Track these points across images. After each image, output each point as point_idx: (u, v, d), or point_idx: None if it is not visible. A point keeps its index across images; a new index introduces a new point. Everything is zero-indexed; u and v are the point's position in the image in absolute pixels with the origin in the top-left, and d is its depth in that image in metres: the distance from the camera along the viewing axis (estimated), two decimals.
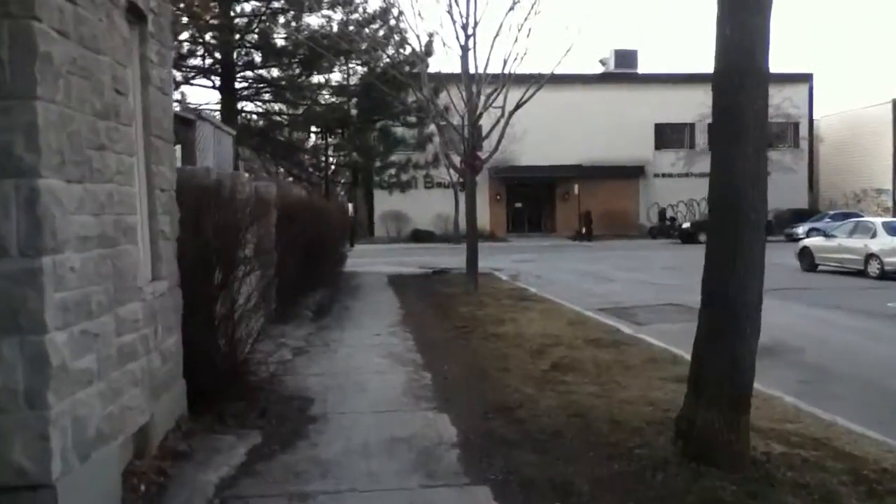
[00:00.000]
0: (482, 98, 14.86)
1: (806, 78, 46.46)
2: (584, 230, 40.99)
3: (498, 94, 14.88)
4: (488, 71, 14.73)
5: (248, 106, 19.43)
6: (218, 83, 18.82)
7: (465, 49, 14.73)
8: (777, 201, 41.82)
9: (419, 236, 42.12)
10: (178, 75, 18.06)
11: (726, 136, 4.89)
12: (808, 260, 20.10)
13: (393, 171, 21.76)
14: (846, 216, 39.03)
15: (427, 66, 16.27)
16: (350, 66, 19.42)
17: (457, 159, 16.39)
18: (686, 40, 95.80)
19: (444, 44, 14.40)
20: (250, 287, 7.72)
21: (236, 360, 6.91)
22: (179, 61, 18.27)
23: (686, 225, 39.50)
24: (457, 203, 39.86)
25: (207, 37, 18.11)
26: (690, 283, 17.27)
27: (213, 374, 6.39)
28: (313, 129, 20.60)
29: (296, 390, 7.04)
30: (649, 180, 46.06)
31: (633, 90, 44.96)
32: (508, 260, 24.96)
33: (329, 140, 23.65)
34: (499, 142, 14.88)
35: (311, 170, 22.30)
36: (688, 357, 8.87)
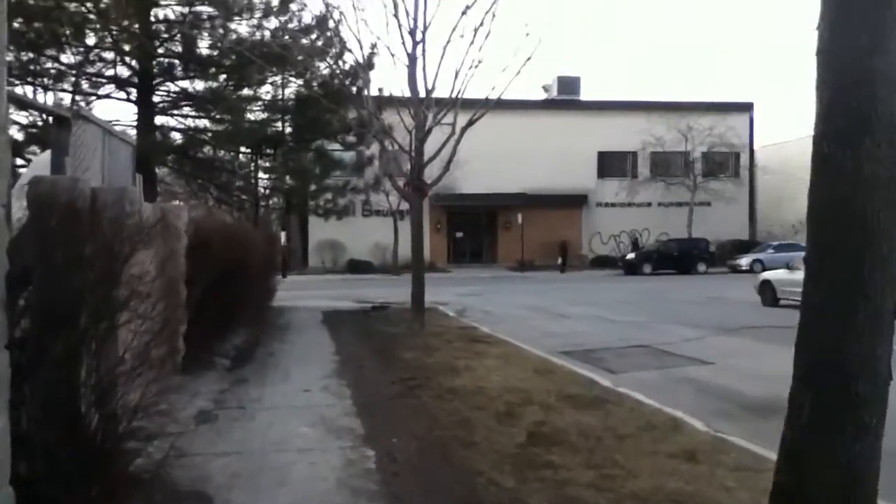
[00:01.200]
0: (430, 114, 13.29)
1: (747, 107, 46.61)
2: (560, 261, 39.90)
3: (449, 109, 13.33)
4: (438, 83, 13.20)
5: (170, 122, 17.39)
6: (133, 96, 16.76)
7: (412, 58, 13.16)
8: (719, 233, 41.46)
9: (356, 267, 40.23)
10: (85, 84, 15.99)
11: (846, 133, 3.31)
12: (769, 294, 19.04)
13: (329, 195, 19.89)
14: (790, 247, 38.88)
15: (369, 78, 14.63)
16: (284, 77, 17.60)
17: (401, 181, 14.76)
18: (627, 68, 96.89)
19: (389, 52, 12.72)
20: (139, 335, 5.86)
21: (109, 441, 5.03)
22: (87, 70, 16.21)
23: (630, 256, 38.63)
24: (396, 232, 38.24)
25: (125, 47, 16.10)
26: (650, 320, 15.91)
27: (67, 469, 4.50)
28: (242, 149, 18.58)
29: (191, 483, 5.18)
30: (592, 209, 45.27)
31: (577, 117, 44.29)
32: (452, 293, 23.34)
33: (259, 161, 21.70)
34: (449, 161, 13.29)
35: (239, 194, 20.24)
36: (688, 421, 7.38)
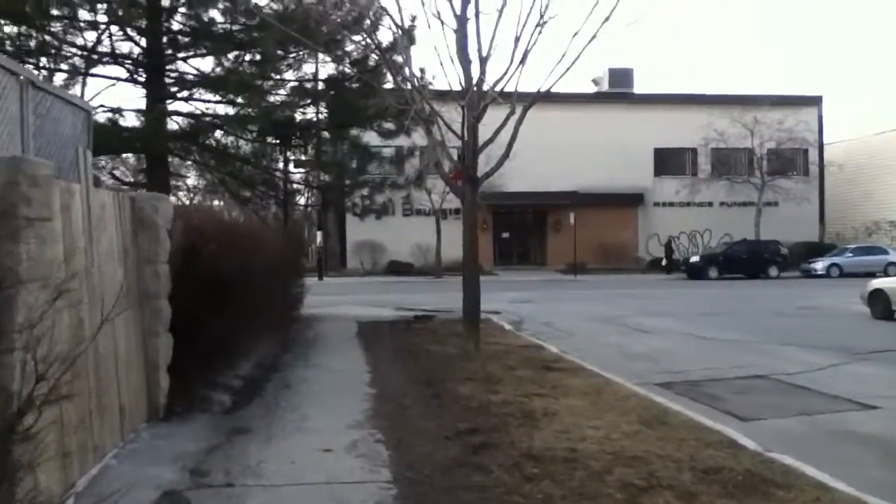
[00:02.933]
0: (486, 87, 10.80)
1: (815, 101, 43.13)
2: (664, 261, 37.48)
3: (511, 77, 10.82)
4: (493, 58, 10.68)
5: (182, 107, 15.16)
6: (140, 77, 14.58)
7: (462, 19, 10.69)
8: (787, 234, 38.21)
9: (397, 268, 37.91)
10: (79, 63, 13.83)
11: None
12: (882, 305, 16.11)
13: (366, 191, 17.49)
14: (869, 250, 35.55)
15: (410, 48, 12.20)
16: (310, 54, 15.27)
17: (449, 172, 12.34)
18: (684, 60, 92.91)
19: (434, 15, 10.26)
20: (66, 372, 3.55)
21: None
22: (79, 44, 14.04)
23: (695, 259, 35.58)
24: (439, 232, 35.89)
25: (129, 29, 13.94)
26: (750, 338, 13.16)
27: None
28: (267, 139, 16.31)
29: None
30: (648, 209, 42.26)
31: (631, 111, 41.40)
32: (503, 299, 20.81)
33: (289, 154, 19.44)
34: (510, 145, 10.78)
35: (265, 189, 17.95)
36: None
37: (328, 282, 32.84)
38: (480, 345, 10.85)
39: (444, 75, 10.61)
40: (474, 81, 10.69)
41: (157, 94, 14.08)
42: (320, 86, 16.94)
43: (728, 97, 40.17)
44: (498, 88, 10.84)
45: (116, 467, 5.27)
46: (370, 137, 17.37)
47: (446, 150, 10.91)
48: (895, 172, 43.35)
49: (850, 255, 35.31)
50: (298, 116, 16.69)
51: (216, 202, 38.70)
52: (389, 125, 16.69)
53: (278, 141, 16.60)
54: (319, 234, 36.62)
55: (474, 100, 10.56)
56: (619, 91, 42.70)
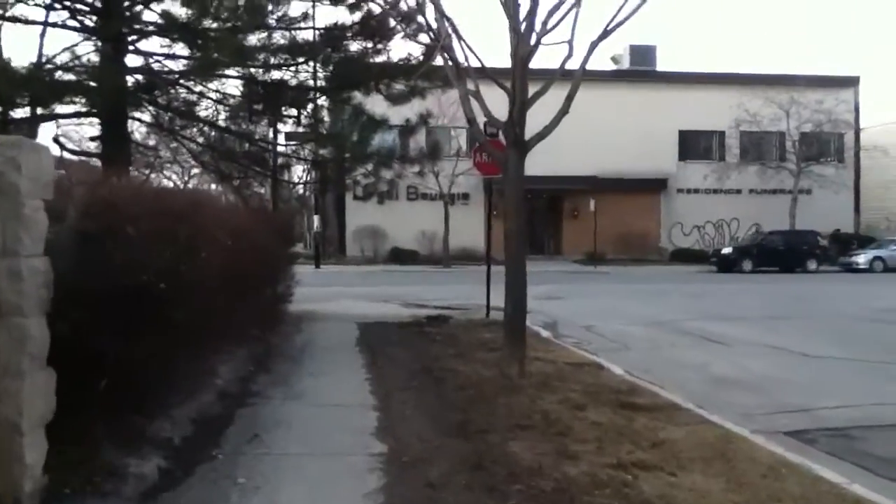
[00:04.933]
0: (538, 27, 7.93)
1: (853, 82, 40.06)
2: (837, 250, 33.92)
3: (567, 14, 7.96)
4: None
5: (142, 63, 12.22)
6: (90, 21, 11.67)
7: None
8: (820, 224, 35.27)
9: (400, 256, 35.09)
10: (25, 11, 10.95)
11: None
12: None
13: (370, 166, 14.63)
14: None
15: None
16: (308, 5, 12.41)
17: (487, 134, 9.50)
18: (708, 39, 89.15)
19: None
20: None
21: None
22: None
23: (727, 250, 32.70)
24: (447, 218, 33.15)
25: None
26: (858, 355, 8.71)
27: None
28: (236, 90, 13.43)
29: None
30: (672, 196, 39.31)
31: (654, 91, 38.35)
32: (528, 294, 17.94)
33: (280, 124, 16.60)
34: (570, 98, 7.95)
35: (247, 164, 15.03)
36: None
37: (326, 270, 30.06)
38: (525, 367, 8.02)
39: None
40: (522, 9, 7.82)
41: (110, 38, 11.19)
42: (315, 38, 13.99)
43: (761, 76, 37.23)
44: (552, 23, 7.99)
45: None
46: (376, 104, 14.38)
47: (482, 103, 8.05)
48: None
49: (895, 247, 32.46)
50: (289, 77, 13.81)
51: (212, 186, 35.84)
52: (400, 86, 13.81)
53: (262, 106, 13.75)
54: (317, 219, 33.77)
55: (522, 36, 7.69)
56: (640, 68, 39.66)
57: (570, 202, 37.97)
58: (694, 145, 39.74)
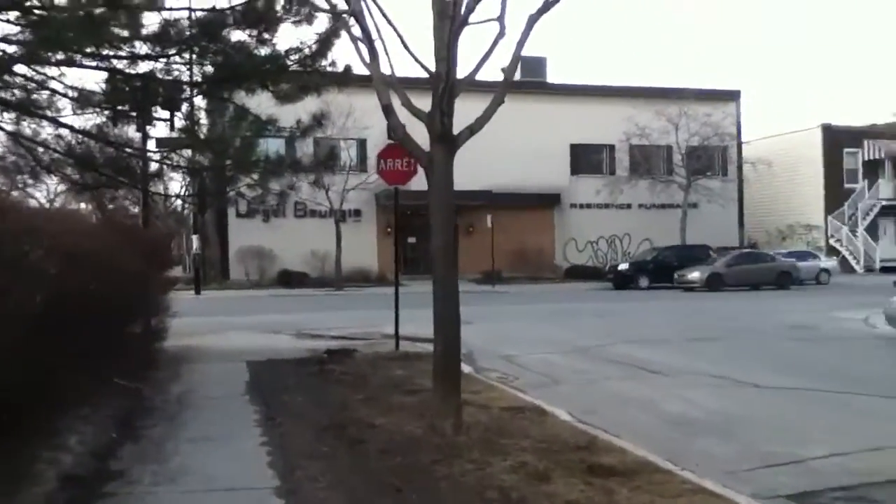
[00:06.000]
0: None
1: (734, 96, 41.17)
2: None
3: None
4: None
5: None
6: None
7: None
8: (710, 238, 35.80)
9: (289, 279, 32.92)
10: None
11: None
12: None
13: (255, 175, 12.82)
14: (802, 256, 33.64)
15: None
16: None
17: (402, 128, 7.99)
18: (593, 53, 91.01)
19: None
20: None
21: None
22: None
23: (623, 266, 32.49)
24: (339, 236, 31.38)
25: None
26: (815, 385, 5.36)
27: None
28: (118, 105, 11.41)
29: None
30: (565, 211, 39.01)
31: (545, 104, 37.86)
32: (429, 318, 16.50)
33: (151, 125, 14.44)
34: (510, 72, 6.65)
35: (111, 174, 12.84)
36: None
37: (207, 296, 27.62)
38: (461, 418, 6.54)
39: None
40: None
41: None
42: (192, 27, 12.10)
43: (650, 89, 37.54)
44: None
45: None
46: (262, 103, 12.54)
47: (399, 89, 6.55)
48: (809, 174, 42.19)
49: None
50: (159, 69, 11.89)
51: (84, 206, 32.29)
52: (284, 86, 12.13)
53: (128, 106, 11.75)
54: (196, 239, 31.15)
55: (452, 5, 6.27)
56: (531, 80, 39.21)
57: (466, 218, 36.90)
58: (585, 159, 39.67)
